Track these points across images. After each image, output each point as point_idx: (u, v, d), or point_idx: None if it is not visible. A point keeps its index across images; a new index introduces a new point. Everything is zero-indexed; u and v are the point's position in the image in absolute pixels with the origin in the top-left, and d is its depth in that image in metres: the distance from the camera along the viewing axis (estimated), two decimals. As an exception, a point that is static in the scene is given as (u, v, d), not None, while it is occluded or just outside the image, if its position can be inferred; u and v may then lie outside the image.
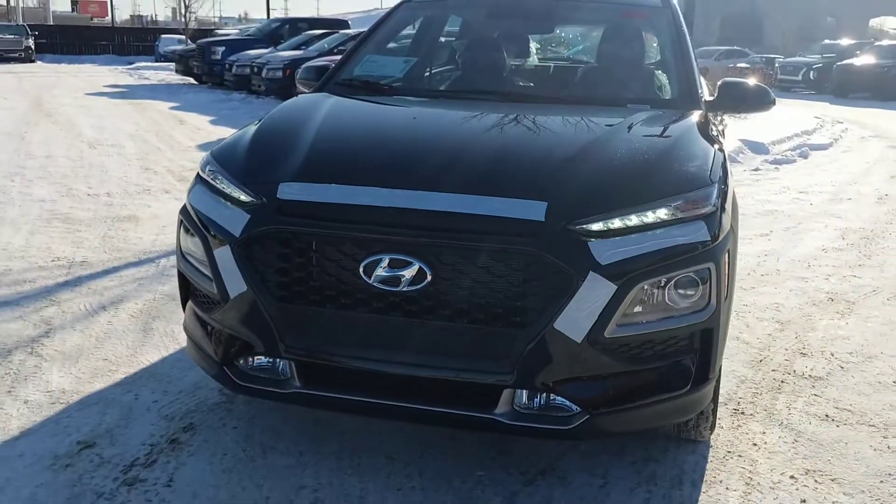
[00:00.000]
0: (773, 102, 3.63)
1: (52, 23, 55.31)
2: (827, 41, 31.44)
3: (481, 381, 2.48)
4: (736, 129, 13.22)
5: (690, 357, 2.58)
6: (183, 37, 37.76)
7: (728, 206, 2.79)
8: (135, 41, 48.48)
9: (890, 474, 2.93)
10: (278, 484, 2.73)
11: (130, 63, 36.73)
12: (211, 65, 21.14)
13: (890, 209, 7.81)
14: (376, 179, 2.61)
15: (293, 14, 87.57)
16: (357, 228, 2.48)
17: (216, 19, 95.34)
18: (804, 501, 2.75)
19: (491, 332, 2.43)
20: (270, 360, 2.68)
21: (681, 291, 2.50)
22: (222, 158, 2.92)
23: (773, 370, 3.82)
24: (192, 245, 2.79)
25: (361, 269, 2.45)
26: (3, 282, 4.73)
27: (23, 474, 2.73)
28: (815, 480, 2.88)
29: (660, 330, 2.50)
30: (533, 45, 4.03)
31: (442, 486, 2.75)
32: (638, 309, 2.45)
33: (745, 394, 3.55)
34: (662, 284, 2.46)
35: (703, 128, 3.16)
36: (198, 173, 2.95)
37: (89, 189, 7.55)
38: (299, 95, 3.65)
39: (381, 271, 2.43)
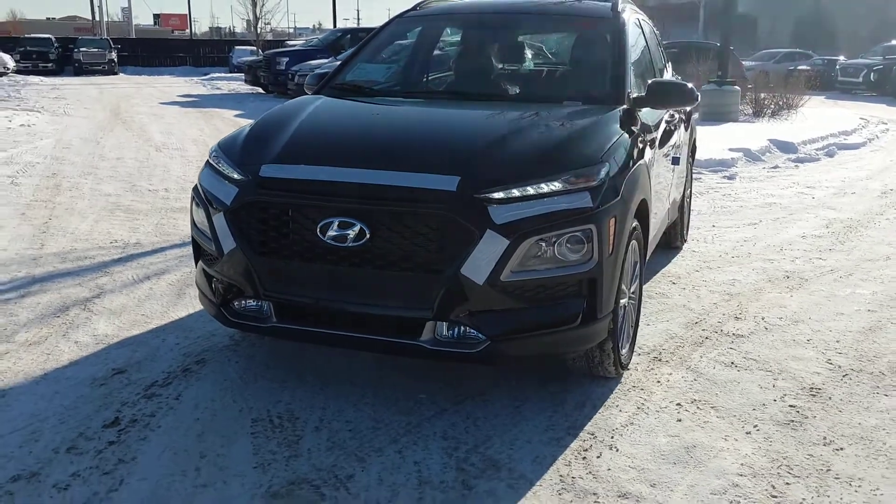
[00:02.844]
0: (696, 99, 4.25)
1: (134, 36, 57.87)
2: (892, 42, 31.00)
3: (409, 315, 3.20)
4: (774, 129, 13.61)
5: (579, 299, 3.25)
6: (255, 48, 39.30)
7: (631, 179, 3.46)
8: (211, 53, 50.26)
9: (764, 404, 3.53)
10: (261, 399, 3.49)
11: (205, 74, 38.35)
12: (276, 74, 22.24)
13: (889, 202, 8.21)
14: (334, 160, 3.37)
15: (364, 25, 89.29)
16: (315, 198, 3.24)
17: (290, 30, 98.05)
18: (680, 420, 3.38)
19: (415, 277, 3.15)
20: (255, 301, 3.46)
21: (569, 247, 3.18)
22: (225, 147, 3.71)
23: (703, 329, 4.43)
24: (199, 215, 3.59)
25: (318, 230, 3.20)
26: (69, 258, 5.64)
27: (67, 388, 3.56)
28: (697, 407, 3.50)
29: (550, 276, 3.18)
30: (497, 53, 4.73)
31: (389, 401, 3.47)
32: (532, 259, 3.14)
33: (669, 346, 4.18)
34: (552, 241, 3.14)
35: (618, 119, 3.80)
36: (207, 159, 3.75)
37: (150, 185, 8.50)
38: (301, 97, 4.43)
39: (332, 231, 3.18)
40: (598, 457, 3.08)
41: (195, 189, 3.69)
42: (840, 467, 3.03)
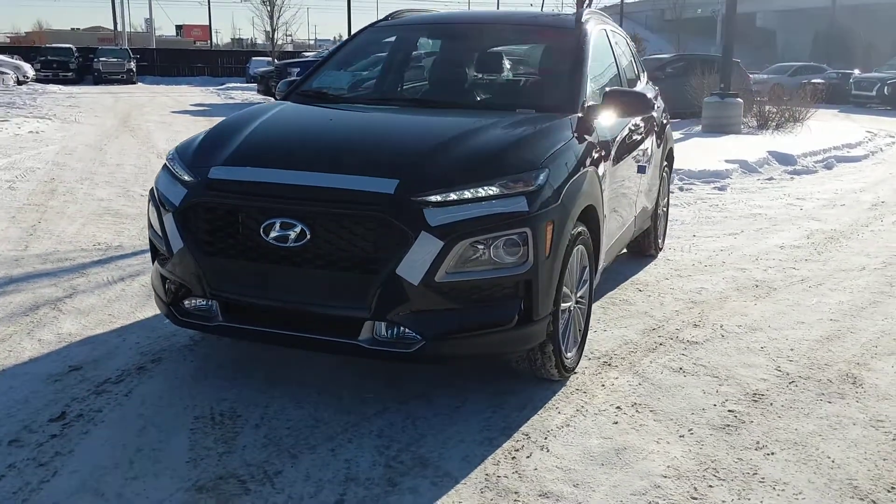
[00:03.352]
0: (652, 108, 4.30)
1: (154, 46, 58.50)
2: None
3: (347, 315, 3.27)
4: (775, 142, 13.60)
5: (515, 301, 3.31)
6: (271, 59, 39.65)
7: (574, 185, 3.52)
8: (229, 63, 50.75)
9: (703, 409, 3.57)
10: (208, 396, 3.57)
11: (222, 84, 38.77)
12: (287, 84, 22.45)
13: (876, 214, 8.19)
14: (280, 163, 3.46)
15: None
16: (258, 199, 3.32)
17: (311, 42, 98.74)
18: (616, 423, 3.42)
19: (354, 278, 3.22)
20: (203, 301, 3.54)
21: (504, 249, 3.23)
22: (180, 150, 3.80)
23: (659, 336, 4.47)
24: (153, 216, 3.68)
25: (261, 230, 3.28)
26: (49, 259, 5.76)
27: (22, 384, 3.65)
28: (636, 411, 3.54)
29: (485, 278, 3.24)
30: (460, 63, 4.81)
31: (333, 400, 3.54)
32: (467, 261, 3.19)
33: (622, 352, 4.22)
34: (487, 243, 3.20)
35: (567, 126, 3.86)
36: (165, 161, 3.84)
37: (143, 191, 8.63)
38: (264, 103, 4.52)
39: (274, 232, 3.26)
40: (527, 457, 3.12)
41: (151, 191, 3.78)
42: (767, 471, 3.05)
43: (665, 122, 6.06)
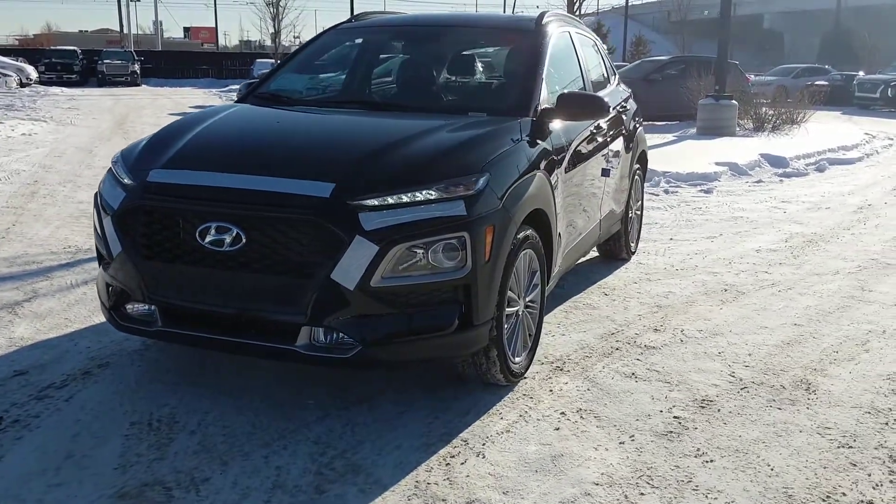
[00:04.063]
0: (607, 111, 4.25)
1: (160, 49, 58.70)
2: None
3: (284, 320, 3.24)
4: (769, 144, 13.54)
5: (454, 306, 3.27)
6: (275, 61, 39.70)
7: (519, 189, 3.49)
8: (235, 65, 50.83)
9: (648, 415, 3.52)
10: (149, 402, 3.54)
11: (226, 86, 38.83)
12: (285, 86, 22.44)
13: (860, 217, 8.12)
14: (219, 166, 3.43)
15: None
16: (195, 203, 3.29)
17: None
18: (558, 429, 3.37)
19: (289, 282, 3.18)
20: (144, 305, 3.51)
21: (442, 254, 3.20)
22: (125, 153, 3.78)
23: (617, 341, 4.42)
24: (96, 219, 3.66)
25: (197, 234, 3.25)
26: (16, 262, 5.75)
27: (-36, 388, 3.64)
28: (581, 416, 3.50)
29: (423, 283, 3.20)
30: (418, 65, 4.78)
31: (274, 407, 3.50)
32: (404, 265, 3.16)
33: (576, 357, 4.17)
34: (424, 247, 3.16)
35: (514, 130, 3.82)
36: (110, 165, 3.82)
37: (125, 194, 8.61)
38: (218, 105, 4.50)
39: (210, 235, 3.23)
40: (462, 463, 3.08)
41: (96, 195, 3.75)
42: (702, 479, 3.01)
43: (635, 124, 6.01)
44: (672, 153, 12.10)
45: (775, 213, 8.31)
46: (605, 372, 3.98)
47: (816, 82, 27.54)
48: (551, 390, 3.75)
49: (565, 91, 4.23)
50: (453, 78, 4.67)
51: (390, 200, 3.19)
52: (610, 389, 3.78)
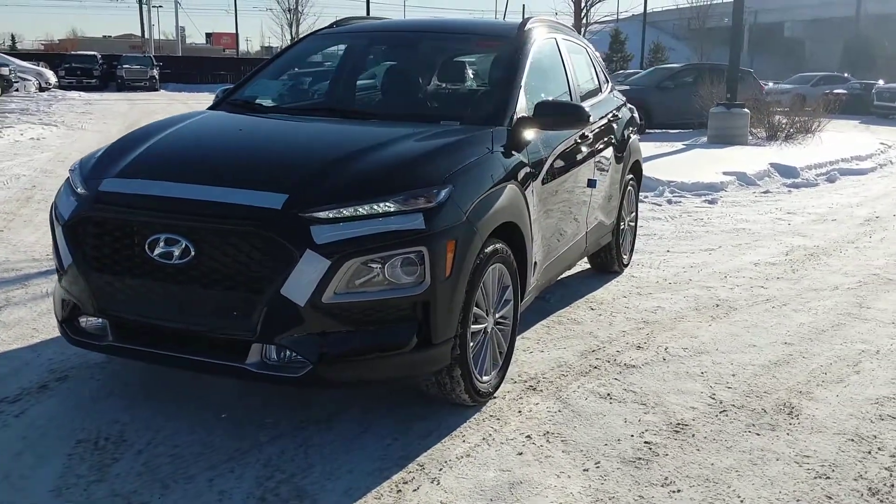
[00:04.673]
0: (586, 120, 4.10)
1: (180, 54, 59.04)
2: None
3: (233, 337, 3.11)
4: (781, 153, 13.31)
5: (411, 323, 3.13)
6: (291, 66, 39.74)
7: (486, 201, 3.35)
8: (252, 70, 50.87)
9: (618, 440, 3.36)
10: (100, 419, 3.41)
11: (242, 91, 38.84)
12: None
13: (867, 230, 7.90)
14: (171, 175, 3.31)
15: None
16: (143, 213, 3.17)
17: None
18: (521, 454, 3.22)
19: (239, 297, 3.06)
20: (96, 319, 3.39)
21: (399, 269, 3.06)
22: (82, 162, 3.67)
23: (597, 359, 4.26)
24: (51, 230, 3.55)
25: (147, 246, 3.13)
26: (-4, 270, 5.67)
27: (-86, 402, 3.53)
28: (547, 440, 3.34)
29: (378, 299, 3.06)
30: (393, 72, 4.65)
31: (230, 426, 3.37)
32: (358, 281, 3.02)
33: (552, 375, 4.01)
34: (379, 262, 3.02)
35: (485, 139, 3.68)
36: (67, 175, 3.72)
37: (120, 200, 8.54)
38: (186, 112, 4.39)
39: (159, 248, 3.11)
40: (414, 490, 2.94)
41: (52, 204, 3.65)
42: (667, 510, 2.84)
43: (629, 134, 5.84)
44: (679, 162, 11.91)
45: (779, 224, 8.10)
46: (579, 392, 3.82)
47: (835, 91, 27.22)
48: (520, 411, 3.60)
49: (542, 100, 4.07)
50: (429, 86, 4.53)
51: (345, 213, 3.06)
52: (582, 411, 3.62)
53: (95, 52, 45.37)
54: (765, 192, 10.20)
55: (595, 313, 5.05)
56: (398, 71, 4.60)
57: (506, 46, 4.41)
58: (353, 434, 3.34)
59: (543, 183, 4.07)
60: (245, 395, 3.65)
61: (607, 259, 5.82)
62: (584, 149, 4.73)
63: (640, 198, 8.98)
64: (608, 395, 3.80)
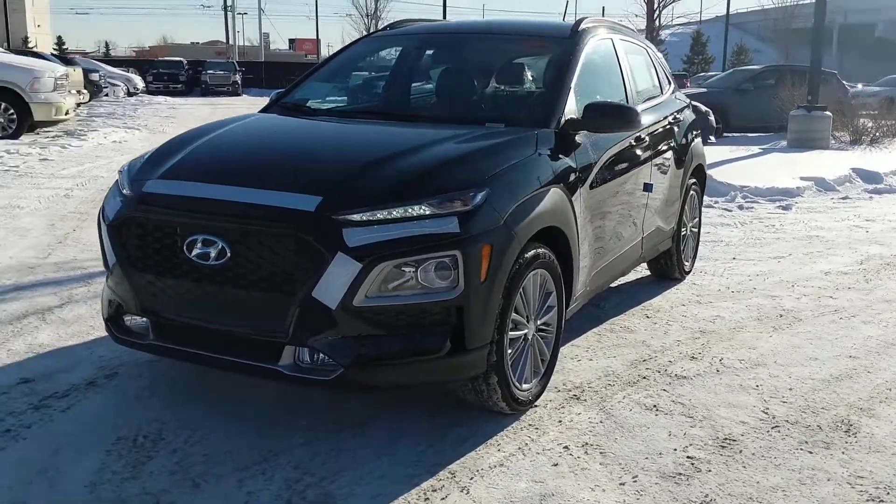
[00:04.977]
0: (635, 122, 3.96)
1: (262, 60, 60.34)
2: None
3: (266, 339, 3.11)
4: (865, 158, 12.82)
5: (444, 328, 3.07)
6: (370, 70, 40.16)
7: (526, 205, 3.28)
8: (332, 75, 51.65)
9: (660, 454, 3.23)
10: (142, 417, 3.46)
11: (320, 95, 39.49)
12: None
13: (951, 239, 7.50)
14: (212, 177, 3.33)
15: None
16: (183, 214, 3.21)
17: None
18: (556, 465, 3.13)
19: (273, 299, 3.06)
20: (140, 318, 3.44)
21: (432, 273, 3.01)
22: (132, 163, 3.74)
23: (647, 369, 4.12)
24: (98, 230, 3.62)
25: (185, 246, 3.16)
26: (63, 268, 5.85)
27: (-32, 395, 3.65)
28: (585, 452, 3.24)
29: (411, 303, 3.02)
30: (444, 74, 4.60)
31: (266, 427, 3.38)
32: (391, 284, 2.98)
33: (597, 385, 3.90)
34: (411, 266, 2.98)
35: (528, 142, 3.60)
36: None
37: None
38: (238, 115, 4.44)
39: (196, 248, 3.13)
40: (442, 499, 2.88)
41: (101, 206, 3.72)
42: (704, 530, 2.72)
43: (692, 136, 5.66)
44: (754, 166, 11.55)
45: (856, 232, 7.76)
46: (624, 403, 3.70)
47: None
48: (560, 421, 3.51)
49: (591, 102, 3.96)
50: (476, 88, 4.46)
51: (378, 215, 3.03)
52: (625, 423, 3.50)
53: (181, 58, 46.81)
54: (843, 199, 9.80)
55: (650, 321, 4.90)
56: (445, 73, 4.55)
57: (557, 48, 4.32)
58: (388, 439, 3.30)
59: (593, 186, 3.96)
60: (283, 397, 3.65)
61: (667, 266, 5.66)
62: (638, 152, 4.60)
63: (710, 203, 8.81)
64: (654, 406, 3.68)
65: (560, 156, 3.72)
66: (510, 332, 3.36)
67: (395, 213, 3.04)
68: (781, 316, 5.06)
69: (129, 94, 34.17)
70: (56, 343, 4.32)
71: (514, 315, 3.36)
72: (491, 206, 3.15)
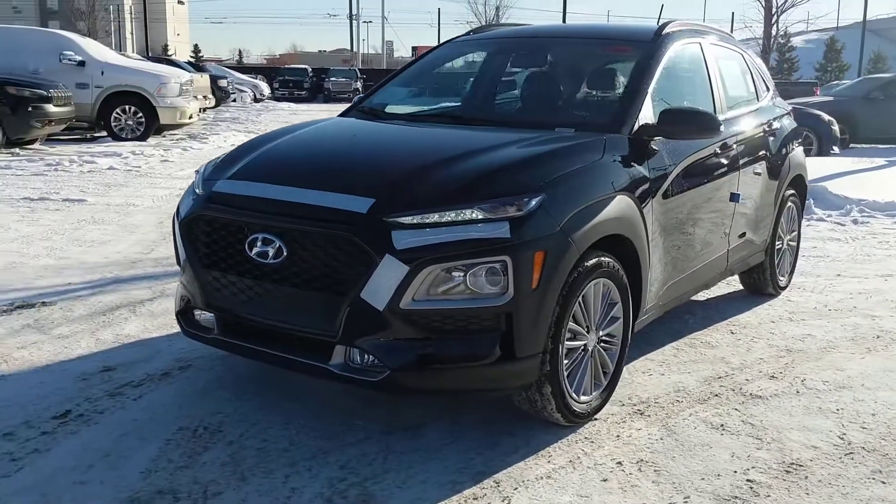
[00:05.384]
0: (713, 129, 3.81)
1: (384, 67, 61.53)
2: None
3: (317, 337, 3.15)
4: None
5: (493, 335, 3.04)
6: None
7: (586, 212, 3.22)
8: (452, 82, 52.16)
9: (718, 475, 3.09)
10: (206, 409, 3.57)
11: (438, 102, 39.94)
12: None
13: None
14: (276, 178, 3.41)
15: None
16: (246, 213, 3.30)
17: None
18: (605, 481, 3.04)
19: (325, 298, 3.10)
20: (208, 312, 3.56)
21: (481, 278, 2.99)
22: (209, 164, 3.87)
23: (721, 386, 3.96)
24: (172, 226, 3.78)
25: (247, 245, 3.25)
26: (162, 263, 6.12)
27: (53, 380, 3.85)
28: (639, 469, 3.13)
29: (458, 307, 3.00)
30: (520, 78, 4.56)
31: (322, 425, 3.42)
32: (439, 288, 2.98)
33: (665, 400, 3.77)
34: (459, 270, 2.97)
35: (595, 147, 3.52)
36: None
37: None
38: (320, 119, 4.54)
39: (257, 247, 3.21)
40: (482, 507, 2.85)
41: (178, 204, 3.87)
42: (752, 558, 2.58)
43: (789, 146, 5.41)
44: (876, 179, 10.91)
45: (981, 251, 7.22)
46: (689, 420, 3.56)
47: None
48: (618, 436, 3.40)
49: (667, 108, 3.84)
50: (551, 92, 4.39)
51: (430, 219, 3.02)
52: (687, 441, 3.37)
53: (306, 66, 48.32)
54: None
55: (734, 337, 4.70)
56: (521, 77, 4.52)
57: (638, 52, 4.21)
58: (439, 444, 3.29)
59: (668, 195, 3.83)
60: (342, 397, 3.70)
61: (760, 280, 5.42)
62: (724, 160, 4.43)
63: (822, 217, 8.39)
64: (721, 425, 3.52)
65: (631, 162, 3.63)
66: (567, 342, 3.29)
67: (446, 216, 3.03)
68: (878, 337, 4.75)
69: (256, 100, 35.52)
70: (141, 335, 4.52)
71: (572, 324, 3.29)
72: (546, 211, 3.10)
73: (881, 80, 18.08)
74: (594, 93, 4.37)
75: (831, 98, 18.29)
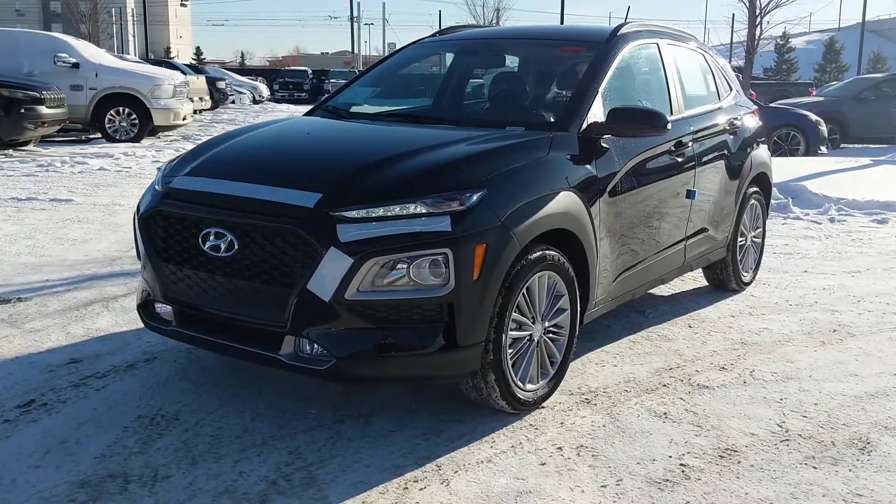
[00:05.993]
0: (660, 127, 3.91)
1: (385, 69, 61.77)
2: None
3: (267, 328, 3.27)
4: None
5: (436, 325, 3.15)
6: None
7: (529, 207, 3.33)
8: (452, 84, 52.36)
9: (654, 460, 3.20)
10: (166, 398, 3.69)
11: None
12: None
13: None
14: (229, 175, 3.53)
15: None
16: (199, 209, 3.41)
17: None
18: (543, 464, 3.14)
19: (274, 290, 3.21)
20: (165, 305, 3.67)
21: (427, 270, 3.10)
22: (168, 162, 3.99)
23: (671, 377, 4.06)
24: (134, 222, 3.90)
25: (200, 239, 3.37)
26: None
27: (20, 371, 3.96)
28: (577, 454, 3.24)
29: (401, 298, 3.11)
30: (477, 79, 4.68)
31: (276, 414, 3.54)
32: (383, 280, 3.09)
33: (613, 390, 3.88)
34: (402, 262, 3.08)
35: (540, 145, 3.63)
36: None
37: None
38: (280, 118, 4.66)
39: (209, 241, 3.33)
40: (420, 489, 2.95)
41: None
42: (674, 536, 2.69)
43: (754, 144, 5.51)
44: (858, 178, 11.00)
45: (952, 248, 7.31)
46: (634, 409, 3.67)
47: None
48: (562, 423, 3.51)
49: (615, 106, 3.94)
50: (503, 92, 4.51)
51: (374, 213, 3.14)
52: (628, 428, 3.48)
53: (306, 68, 48.61)
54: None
55: (691, 331, 4.81)
56: (478, 78, 4.63)
57: (591, 53, 4.32)
58: (388, 431, 3.40)
59: (617, 191, 3.94)
60: (299, 388, 3.81)
61: (723, 276, 5.52)
62: (678, 158, 4.53)
63: (798, 215, 8.48)
64: (664, 414, 3.63)
65: (578, 159, 3.73)
66: (512, 332, 3.40)
67: (390, 210, 3.14)
68: (835, 331, 4.85)
69: (255, 102, 35.69)
70: (111, 329, 4.64)
71: (516, 315, 3.40)
72: (488, 206, 3.21)
73: (872, 81, 18.18)
74: (547, 92, 4.49)
75: (822, 98, 18.39)
